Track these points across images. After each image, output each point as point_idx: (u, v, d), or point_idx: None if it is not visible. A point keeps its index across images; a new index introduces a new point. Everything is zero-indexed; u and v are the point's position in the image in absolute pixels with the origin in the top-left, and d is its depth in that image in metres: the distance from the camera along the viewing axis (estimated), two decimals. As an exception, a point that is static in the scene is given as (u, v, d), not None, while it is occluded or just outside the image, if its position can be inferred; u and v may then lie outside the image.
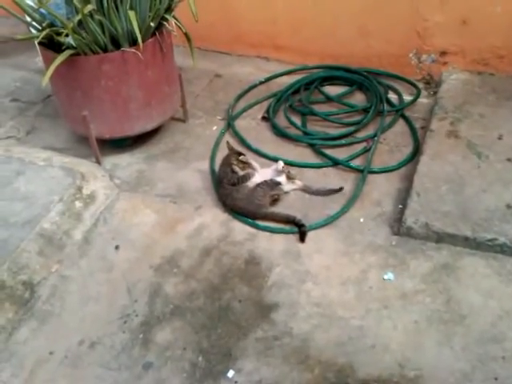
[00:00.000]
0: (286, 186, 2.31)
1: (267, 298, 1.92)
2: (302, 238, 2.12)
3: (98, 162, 2.54)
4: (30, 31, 2.65)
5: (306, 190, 2.34)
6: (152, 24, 2.28)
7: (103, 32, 2.23)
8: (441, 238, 2.03)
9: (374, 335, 1.77)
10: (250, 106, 2.93)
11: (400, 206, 2.22)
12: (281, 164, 2.32)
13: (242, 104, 2.96)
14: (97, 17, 2.19)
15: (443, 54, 2.89)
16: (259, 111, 2.89)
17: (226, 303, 1.91)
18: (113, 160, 2.59)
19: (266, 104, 2.93)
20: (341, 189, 2.30)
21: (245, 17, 3.22)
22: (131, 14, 2.13)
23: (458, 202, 2.12)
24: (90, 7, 2.15)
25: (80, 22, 2.19)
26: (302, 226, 2.14)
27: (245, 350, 1.76)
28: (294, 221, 2.16)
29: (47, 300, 1.97)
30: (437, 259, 1.99)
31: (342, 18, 2.99)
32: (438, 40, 2.85)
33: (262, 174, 2.33)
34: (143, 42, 2.23)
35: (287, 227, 2.18)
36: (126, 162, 2.59)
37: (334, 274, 1.98)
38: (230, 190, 2.24)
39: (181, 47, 2.76)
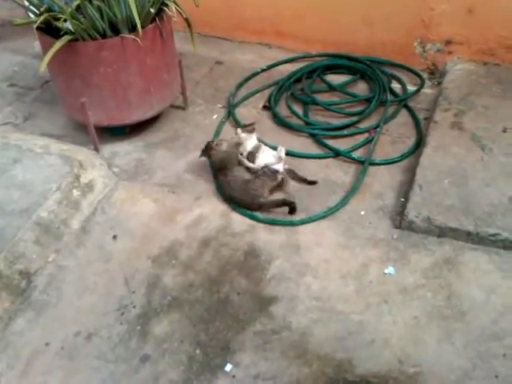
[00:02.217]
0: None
1: (266, 291, 1.90)
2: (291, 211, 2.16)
3: (96, 150, 2.50)
4: (27, 15, 2.61)
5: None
6: (152, 10, 2.23)
7: (102, 17, 2.18)
8: (443, 233, 2.01)
9: (373, 330, 1.76)
10: (252, 94, 2.88)
11: (402, 199, 2.19)
12: (283, 151, 2.28)
13: (243, 92, 2.92)
14: (95, 2, 2.15)
15: (448, 43, 2.83)
16: (261, 99, 2.85)
17: (224, 296, 1.89)
18: (111, 148, 2.56)
19: (267, 92, 2.89)
20: (314, 182, 2.29)
21: (247, 2, 3.16)
22: (130, -1, 2.08)
23: (460, 196, 2.09)
24: (88, -8, 2.11)
25: (78, 7, 2.15)
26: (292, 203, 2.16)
27: (243, 344, 1.74)
28: (291, 204, 2.15)
29: (44, 290, 1.95)
30: (438, 254, 1.97)
31: (345, 4, 2.94)
32: (444, 29, 2.79)
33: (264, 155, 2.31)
34: (143, 28, 2.19)
35: (287, 219, 2.15)
36: (125, 150, 2.55)
37: (333, 268, 1.96)
38: (227, 180, 2.22)
39: (180, 33, 2.70)
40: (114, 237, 2.13)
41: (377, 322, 1.78)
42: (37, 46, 3.21)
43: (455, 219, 2.01)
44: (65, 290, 1.95)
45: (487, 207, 2.03)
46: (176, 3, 2.39)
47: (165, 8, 2.33)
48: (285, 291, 1.89)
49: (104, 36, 2.23)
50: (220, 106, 2.83)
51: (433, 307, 1.81)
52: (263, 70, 3.06)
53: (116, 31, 2.25)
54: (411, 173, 2.28)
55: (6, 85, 3.04)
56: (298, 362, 1.68)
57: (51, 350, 1.77)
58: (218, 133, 2.61)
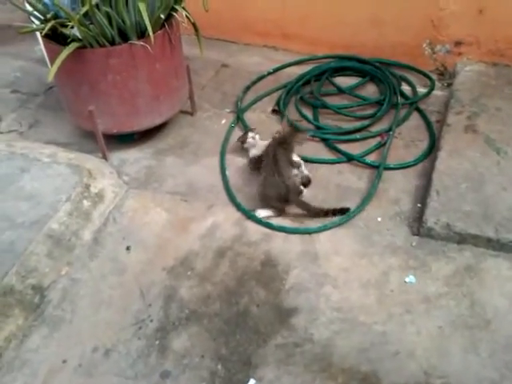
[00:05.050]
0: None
1: (286, 303, 1.86)
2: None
3: (105, 158, 2.46)
4: (30, 20, 2.55)
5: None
6: (162, 16, 2.19)
7: (110, 24, 2.14)
8: (463, 239, 1.98)
9: (397, 341, 1.73)
10: (260, 98, 2.84)
11: (419, 205, 2.16)
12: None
13: (250, 96, 2.88)
14: (104, 8, 2.10)
15: (458, 44, 2.81)
16: (269, 103, 2.82)
17: (243, 308, 1.86)
18: (120, 155, 2.51)
19: (275, 96, 2.85)
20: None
21: (252, 4, 3.12)
22: (141, 5, 2.03)
23: (478, 201, 2.06)
24: (96, -2, 2.06)
25: (86, 14, 2.10)
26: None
27: (265, 358, 1.71)
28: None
29: (58, 305, 1.90)
30: (459, 261, 1.94)
31: (353, 5, 2.90)
32: (453, 30, 2.77)
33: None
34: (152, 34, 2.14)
35: (302, 227, 2.12)
36: (134, 158, 2.50)
37: (353, 277, 1.93)
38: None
39: (185, 36, 2.66)
40: (128, 248, 2.09)
41: (400, 332, 1.75)
42: (39, 50, 3.17)
43: (475, 225, 1.98)
44: (79, 305, 1.91)
45: (506, 212, 2.01)
46: (185, 8, 2.34)
47: (174, 13, 2.28)
48: (305, 302, 1.86)
49: (112, 43, 2.18)
50: (228, 110, 2.79)
51: (456, 316, 1.78)
52: (270, 73, 3.02)
53: (124, 38, 2.20)
54: (426, 177, 2.25)
55: (9, 91, 2.99)
56: (323, 375, 1.65)
57: (69, 368, 1.72)
58: (227, 138, 2.57)
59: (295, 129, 2.30)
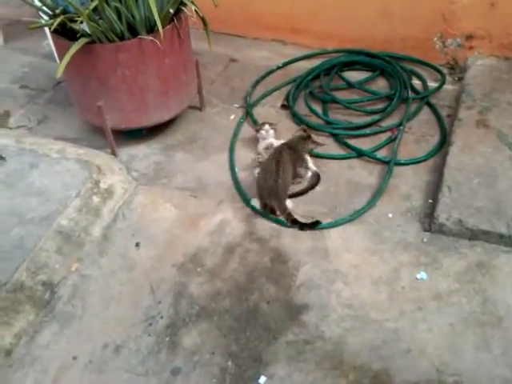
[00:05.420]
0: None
1: (296, 299, 1.85)
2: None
3: (114, 154, 2.45)
4: (38, 15, 2.55)
5: None
6: (171, 10, 2.17)
7: (120, 19, 2.12)
8: (474, 235, 1.96)
9: (409, 338, 1.71)
10: (269, 93, 2.82)
11: (430, 201, 2.14)
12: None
13: (259, 90, 2.86)
14: (113, 3, 2.08)
15: (469, 38, 2.77)
16: (278, 98, 2.80)
17: (253, 304, 1.85)
18: (129, 151, 2.51)
19: (284, 90, 2.83)
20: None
21: (260, -3, 3.09)
22: None
23: (491, 197, 2.04)
24: (106, -7, 2.05)
25: (95, 9, 2.08)
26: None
27: (276, 355, 1.70)
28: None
29: (68, 301, 1.91)
30: (471, 257, 1.92)
31: (363, -2, 2.88)
32: (465, 23, 2.73)
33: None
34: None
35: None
36: (143, 154, 2.50)
37: (364, 274, 1.92)
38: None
39: (193, 30, 2.64)
40: (137, 244, 2.09)
41: (412, 329, 1.74)
42: (47, 45, 3.17)
43: (487, 221, 1.96)
44: (89, 301, 1.91)
45: (519, 208, 1.99)
46: (193, 2, 2.33)
47: (183, 8, 2.26)
48: (316, 299, 1.85)
49: (122, 38, 2.17)
50: (237, 105, 2.77)
51: (468, 313, 1.76)
52: (279, 68, 3.00)
53: (133, 33, 2.19)
54: (438, 173, 2.23)
55: (18, 86, 2.99)
56: (334, 373, 1.64)
57: (79, 364, 1.72)
58: (236, 134, 2.56)
59: (306, 135, 2.30)
